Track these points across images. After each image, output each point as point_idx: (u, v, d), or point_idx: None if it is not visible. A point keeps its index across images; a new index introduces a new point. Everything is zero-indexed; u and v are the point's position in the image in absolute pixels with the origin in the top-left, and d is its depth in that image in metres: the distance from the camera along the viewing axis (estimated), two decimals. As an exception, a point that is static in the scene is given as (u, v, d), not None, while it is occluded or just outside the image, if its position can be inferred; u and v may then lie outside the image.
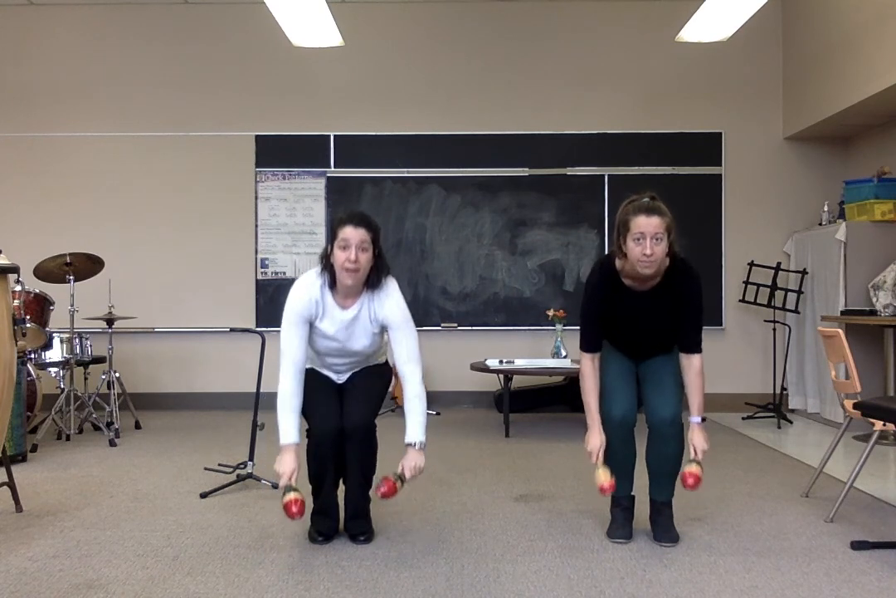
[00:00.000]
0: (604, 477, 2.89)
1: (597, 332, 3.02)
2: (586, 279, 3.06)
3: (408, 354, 3.02)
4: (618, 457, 3.03)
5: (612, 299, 2.98)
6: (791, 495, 3.70)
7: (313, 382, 3.05)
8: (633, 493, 3.11)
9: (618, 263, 2.95)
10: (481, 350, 6.58)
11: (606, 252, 3.08)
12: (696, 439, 2.94)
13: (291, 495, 2.80)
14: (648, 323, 3.00)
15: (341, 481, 3.12)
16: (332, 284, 2.96)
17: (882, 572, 2.68)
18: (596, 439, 2.95)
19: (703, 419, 2.98)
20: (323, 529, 3.05)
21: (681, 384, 3.03)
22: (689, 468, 2.89)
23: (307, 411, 3.00)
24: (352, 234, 2.86)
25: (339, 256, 2.87)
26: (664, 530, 3.01)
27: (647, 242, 2.76)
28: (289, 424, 2.93)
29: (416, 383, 3.02)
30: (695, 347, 2.97)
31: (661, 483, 3.05)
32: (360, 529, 3.05)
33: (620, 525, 3.06)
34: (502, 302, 6.64)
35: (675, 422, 2.95)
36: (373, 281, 2.97)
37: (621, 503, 3.09)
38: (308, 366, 3.10)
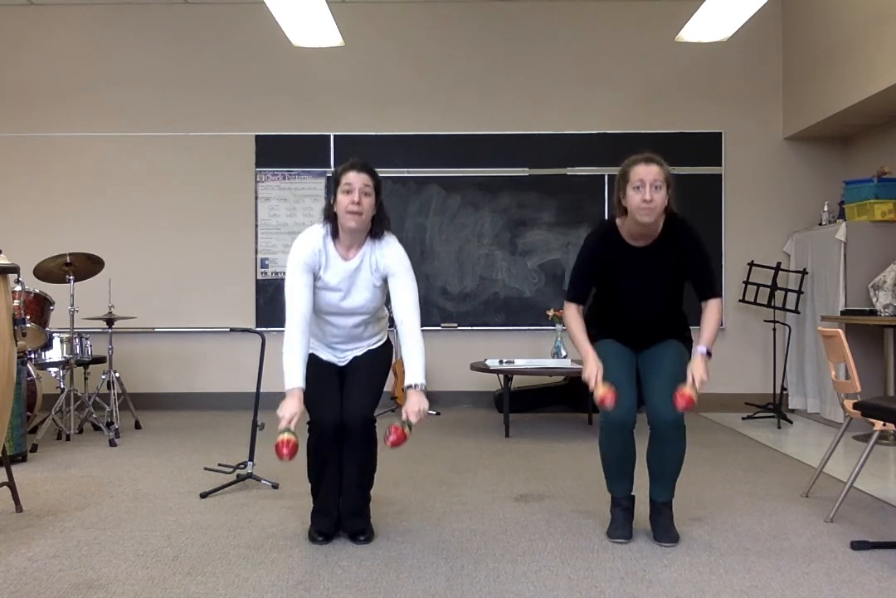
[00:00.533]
0: (603, 390, 2.84)
1: (586, 285, 3.08)
2: (587, 235, 3.12)
3: (407, 301, 3.02)
4: (618, 458, 3.02)
5: (612, 255, 3.01)
6: (791, 496, 3.70)
7: (314, 371, 3.03)
8: (633, 493, 3.10)
9: (618, 221, 3.01)
10: (481, 350, 6.58)
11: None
12: (697, 368, 2.88)
13: (285, 436, 2.78)
14: (649, 284, 3.00)
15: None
16: (335, 233, 3.00)
17: (882, 572, 2.68)
18: (592, 366, 2.93)
19: (710, 354, 2.95)
20: (323, 528, 3.05)
21: (682, 378, 2.98)
22: (684, 389, 2.82)
23: (308, 402, 2.99)
24: (355, 178, 2.93)
25: (343, 200, 2.91)
26: (664, 530, 3.00)
27: (646, 188, 2.82)
28: (294, 369, 2.91)
29: (416, 329, 3.03)
30: (709, 292, 3.03)
31: (661, 484, 3.04)
32: (359, 527, 3.04)
33: (620, 525, 3.04)
34: (502, 302, 6.64)
35: (677, 424, 2.93)
36: (375, 231, 3.02)
37: (621, 503, 3.08)
38: (311, 350, 3.10)
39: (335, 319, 3.09)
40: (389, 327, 3.29)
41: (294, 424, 2.82)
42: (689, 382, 2.85)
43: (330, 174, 6.61)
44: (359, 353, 3.17)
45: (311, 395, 3.00)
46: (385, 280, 3.06)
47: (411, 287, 3.04)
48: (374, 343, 3.21)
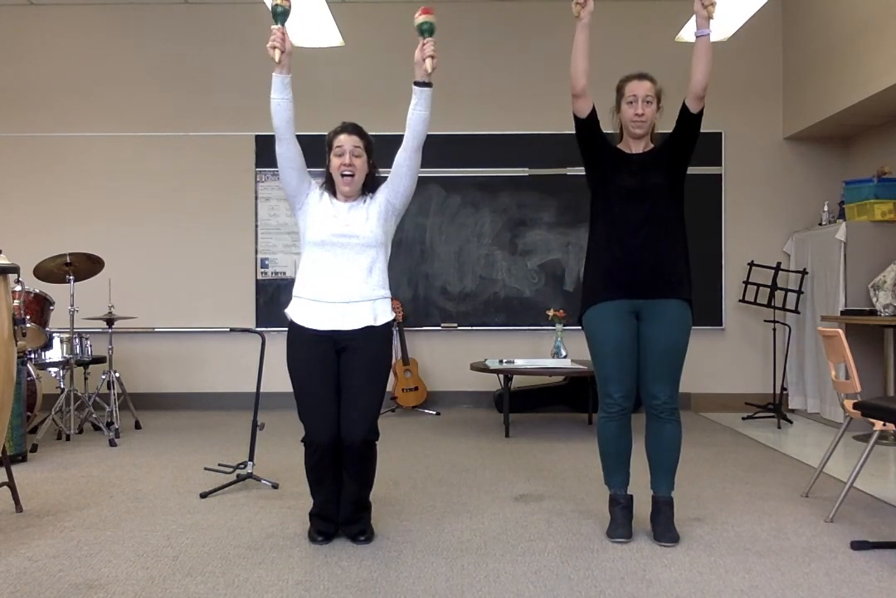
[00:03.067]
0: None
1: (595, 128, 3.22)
2: None
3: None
4: (615, 444, 3.05)
5: (610, 153, 3.14)
6: (791, 495, 3.70)
7: (307, 367, 2.91)
8: (630, 492, 3.11)
9: (619, 146, 3.19)
10: (481, 350, 6.58)
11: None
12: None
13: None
14: (644, 178, 3.04)
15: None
16: (333, 194, 3.10)
17: (882, 572, 2.68)
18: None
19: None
20: (323, 528, 3.05)
21: (680, 361, 3.00)
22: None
23: (302, 414, 2.92)
24: (345, 140, 3.06)
25: (335, 162, 3.04)
26: (665, 529, 3.01)
27: (638, 103, 3.06)
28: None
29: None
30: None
31: (661, 474, 3.06)
32: (359, 529, 3.04)
33: (620, 525, 3.05)
34: (502, 302, 6.64)
35: (671, 404, 2.99)
36: (369, 189, 3.10)
37: (620, 501, 3.09)
38: (301, 314, 2.97)
39: (333, 250, 2.97)
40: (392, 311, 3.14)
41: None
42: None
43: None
44: (356, 325, 2.96)
45: (304, 405, 2.92)
46: (385, 214, 3.06)
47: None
48: (372, 312, 2.99)
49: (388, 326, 3.04)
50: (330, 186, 3.11)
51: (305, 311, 2.99)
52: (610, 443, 3.06)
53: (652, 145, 3.16)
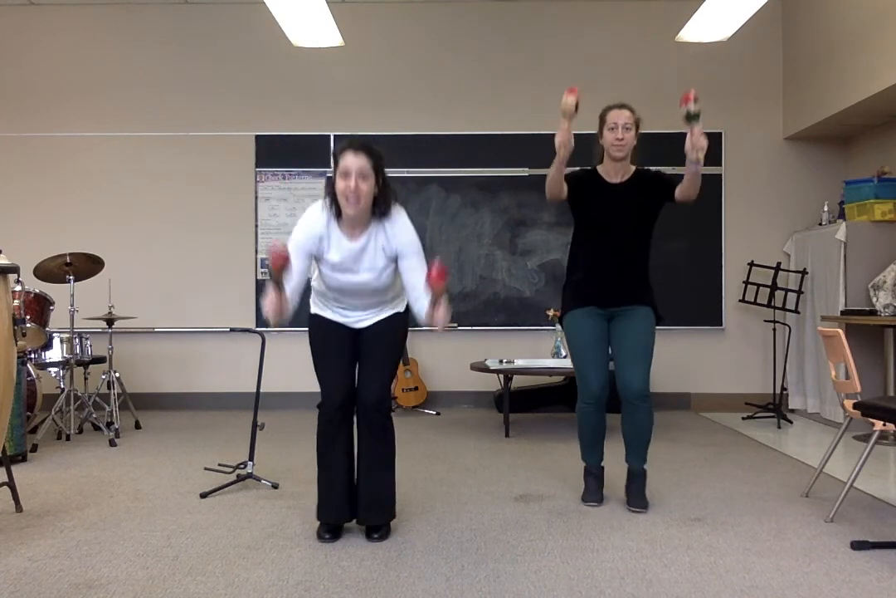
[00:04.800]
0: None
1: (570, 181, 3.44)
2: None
3: (417, 282, 2.89)
4: (591, 428, 3.51)
5: (591, 187, 3.44)
6: (791, 495, 3.70)
7: (323, 338, 3.04)
8: (602, 464, 3.58)
9: (598, 168, 3.49)
10: (481, 350, 6.58)
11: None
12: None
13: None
14: (620, 213, 3.40)
15: (355, 473, 3.09)
16: (339, 214, 2.92)
17: (882, 572, 2.68)
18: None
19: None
20: (330, 518, 3.04)
21: (649, 353, 3.40)
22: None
23: (318, 376, 3.02)
24: (352, 161, 2.82)
25: (340, 185, 2.84)
26: (637, 497, 3.44)
27: (619, 129, 3.36)
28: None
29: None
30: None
31: (634, 451, 3.48)
32: (377, 522, 3.03)
33: (593, 491, 3.55)
34: (502, 302, 6.64)
35: (643, 394, 3.36)
36: (380, 210, 2.93)
37: (592, 471, 3.57)
38: (320, 311, 3.10)
39: (346, 299, 3.05)
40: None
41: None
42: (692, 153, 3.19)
43: (330, 174, 6.61)
44: (372, 321, 3.08)
45: (320, 368, 3.02)
46: (395, 259, 2.98)
47: (421, 268, 2.92)
48: (388, 310, 3.12)
49: (402, 316, 3.16)
50: (335, 206, 2.93)
51: (322, 311, 3.13)
52: (587, 428, 3.53)
53: (633, 170, 3.46)
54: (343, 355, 3.05)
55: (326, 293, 3.08)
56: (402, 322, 3.15)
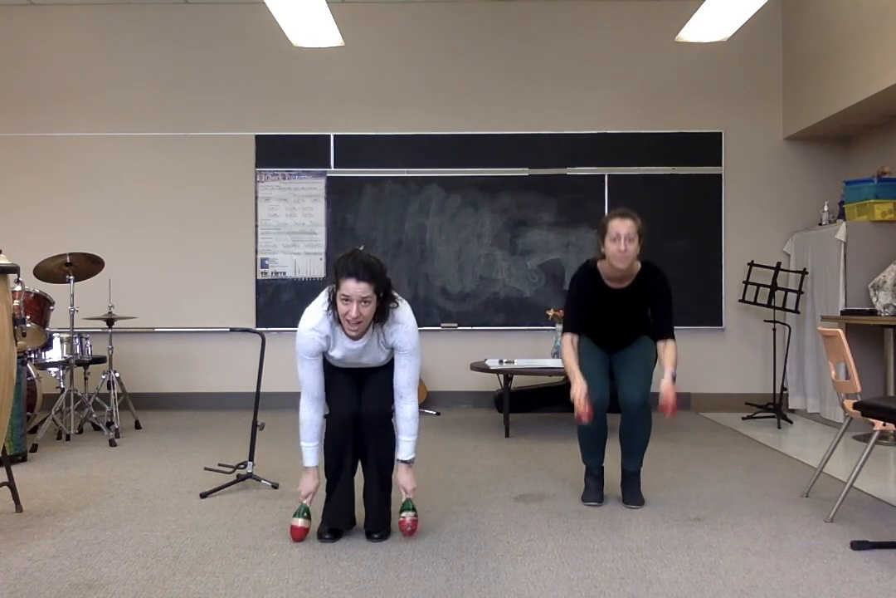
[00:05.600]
0: (582, 408, 3.35)
1: (578, 319, 3.57)
2: (572, 276, 3.61)
3: (409, 379, 3.06)
4: (592, 434, 3.58)
5: (593, 294, 3.53)
6: (791, 495, 3.70)
7: (332, 371, 3.11)
8: (602, 464, 3.64)
9: (599, 264, 3.52)
10: (481, 350, 6.58)
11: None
12: (668, 392, 3.31)
13: (300, 522, 3.02)
14: (622, 315, 3.55)
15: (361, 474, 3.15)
16: (339, 320, 2.94)
17: (882, 572, 2.68)
18: (578, 386, 3.39)
19: (674, 377, 3.39)
20: (334, 523, 3.07)
21: (649, 370, 3.52)
22: (666, 404, 3.30)
23: (327, 395, 3.08)
24: (353, 289, 2.79)
25: (342, 309, 2.84)
26: (632, 494, 3.54)
27: (621, 241, 3.33)
28: (310, 450, 3.07)
29: (413, 405, 3.08)
30: (668, 333, 3.49)
31: (631, 456, 3.58)
32: (379, 526, 3.08)
33: (593, 491, 3.59)
34: (502, 302, 6.64)
35: (643, 405, 3.43)
36: (381, 317, 2.97)
37: (593, 472, 3.62)
38: None
39: (348, 368, 3.16)
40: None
41: (311, 500, 3.06)
42: (666, 398, 3.31)
43: (330, 174, 6.62)
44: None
45: (330, 389, 3.09)
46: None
47: (416, 365, 3.06)
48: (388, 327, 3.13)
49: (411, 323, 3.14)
50: (335, 312, 2.93)
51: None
52: (587, 435, 3.59)
53: (637, 270, 3.50)
54: (350, 379, 3.14)
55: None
56: (413, 328, 3.16)
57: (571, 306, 3.58)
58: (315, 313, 2.98)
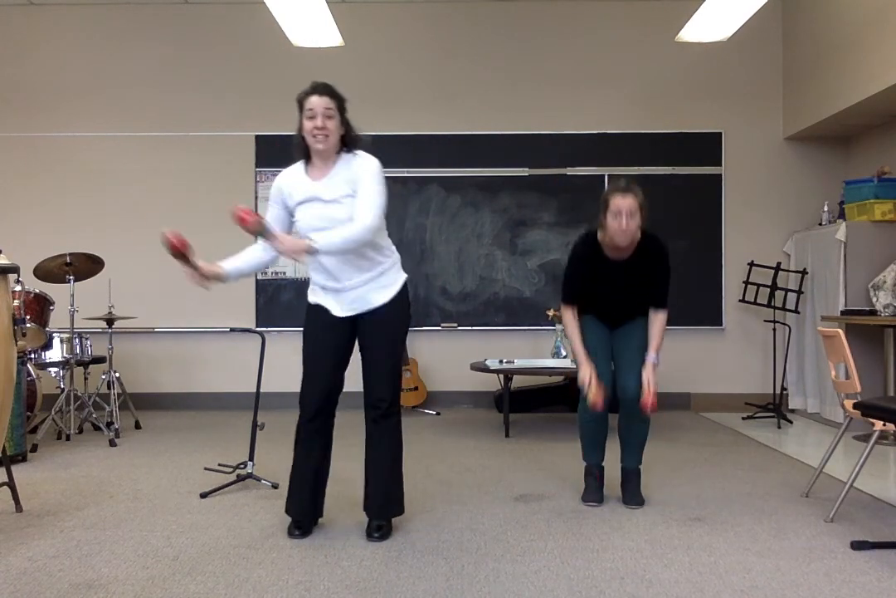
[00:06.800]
0: (594, 394, 3.36)
1: (576, 290, 3.55)
2: (573, 246, 3.57)
3: (363, 205, 2.88)
4: (592, 428, 3.56)
5: (594, 266, 3.49)
6: (791, 495, 3.70)
7: (313, 331, 3.06)
8: (603, 464, 3.63)
9: (599, 234, 3.47)
10: (481, 350, 6.58)
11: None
12: (650, 377, 3.37)
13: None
14: (623, 287, 3.49)
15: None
16: (308, 158, 3.02)
17: (882, 572, 2.68)
18: (586, 370, 3.42)
19: (656, 364, 3.41)
20: (296, 515, 3.08)
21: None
22: (646, 398, 3.34)
23: (304, 371, 3.05)
24: (316, 102, 2.92)
25: (307, 125, 2.94)
26: (632, 495, 3.53)
27: (623, 217, 3.29)
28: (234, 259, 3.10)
29: (360, 224, 2.84)
30: (661, 303, 3.49)
31: (630, 452, 3.58)
32: (379, 522, 3.05)
33: (593, 491, 3.58)
34: (502, 302, 6.64)
35: (639, 398, 3.40)
36: (348, 148, 3.01)
37: (593, 472, 3.62)
38: (313, 296, 3.09)
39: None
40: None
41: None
42: (646, 389, 3.35)
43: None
44: (367, 304, 3.02)
45: (303, 368, 3.04)
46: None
47: (373, 193, 2.91)
48: (380, 288, 3.03)
49: (399, 294, 3.07)
50: (303, 151, 3.02)
51: (318, 296, 3.12)
52: (589, 429, 3.58)
53: (637, 241, 3.43)
54: (325, 356, 3.04)
55: (315, 265, 3.02)
56: (401, 306, 3.08)
57: (571, 275, 3.55)
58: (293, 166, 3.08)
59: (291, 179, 3.07)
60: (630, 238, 3.34)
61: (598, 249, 3.47)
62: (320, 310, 3.07)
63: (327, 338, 3.06)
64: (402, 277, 3.11)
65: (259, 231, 2.76)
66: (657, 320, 3.48)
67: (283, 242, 2.79)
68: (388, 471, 3.08)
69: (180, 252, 2.81)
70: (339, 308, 3.05)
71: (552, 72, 6.70)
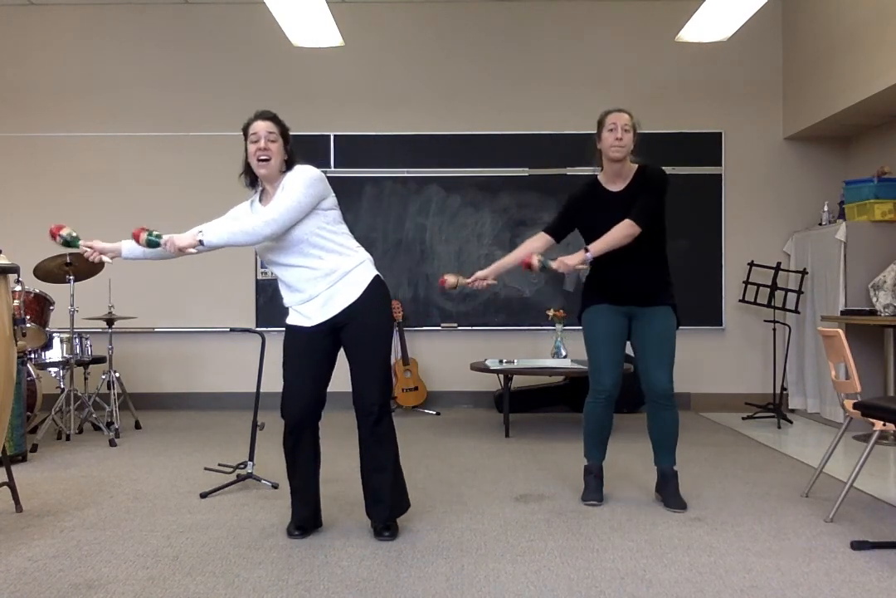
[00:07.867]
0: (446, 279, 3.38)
1: (561, 220, 3.66)
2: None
3: (272, 205, 2.94)
4: (597, 424, 3.51)
5: (591, 201, 3.52)
6: (791, 495, 3.70)
7: (290, 347, 3.09)
8: (602, 463, 3.59)
9: (599, 176, 3.55)
10: (481, 350, 6.58)
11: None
12: (569, 258, 3.39)
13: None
14: (623, 218, 3.38)
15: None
16: (254, 182, 3.14)
17: (882, 572, 2.68)
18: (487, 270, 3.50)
19: (593, 259, 3.39)
20: (301, 522, 3.08)
21: (672, 354, 3.42)
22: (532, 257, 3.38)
23: (283, 388, 3.09)
24: (260, 126, 3.08)
25: (251, 149, 3.04)
26: (673, 498, 3.43)
27: (618, 129, 3.39)
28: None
29: (264, 220, 2.89)
30: (636, 215, 3.36)
31: (663, 451, 3.49)
32: (386, 523, 3.04)
33: (593, 490, 3.55)
34: (502, 302, 6.64)
35: (667, 393, 3.39)
36: (288, 167, 3.07)
37: (593, 471, 3.58)
38: (289, 319, 3.12)
39: (282, 269, 3.07)
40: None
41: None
42: (551, 263, 3.39)
43: (330, 174, 6.60)
44: (338, 305, 3.00)
45: (284, 380, 3.08)
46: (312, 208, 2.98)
47: (288, 195, 2.93)
48: (346, 283, 3.01)
49: (370, 290, 3.04)
50: (251, 176, 3.13)
51: (292, 315, 3.14)
52: (594, 424, 3.52)
53: (633, 171, 3.48)
54: (304, 368, 3.05)
55: (280, 283, 3.11)
56: (378, 304, 3.05)
57: (564, 206, 3.66)
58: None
59: (245, 209, 3.20)
60: (625, 152, 3.39)
61: (596, 184, 3.54)
62: (295, 329, 3.09)
63: (304, 354, 3.06)
64: (370, 274, 3.06)
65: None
66: (618, 227, 3.33)
67: (171, 241, 3.07)
68: (391, 475, 3.06)
69: (58, 235, 3.11)
70: (314, 315, 3.03)
71: (552, 72, 6.70)
